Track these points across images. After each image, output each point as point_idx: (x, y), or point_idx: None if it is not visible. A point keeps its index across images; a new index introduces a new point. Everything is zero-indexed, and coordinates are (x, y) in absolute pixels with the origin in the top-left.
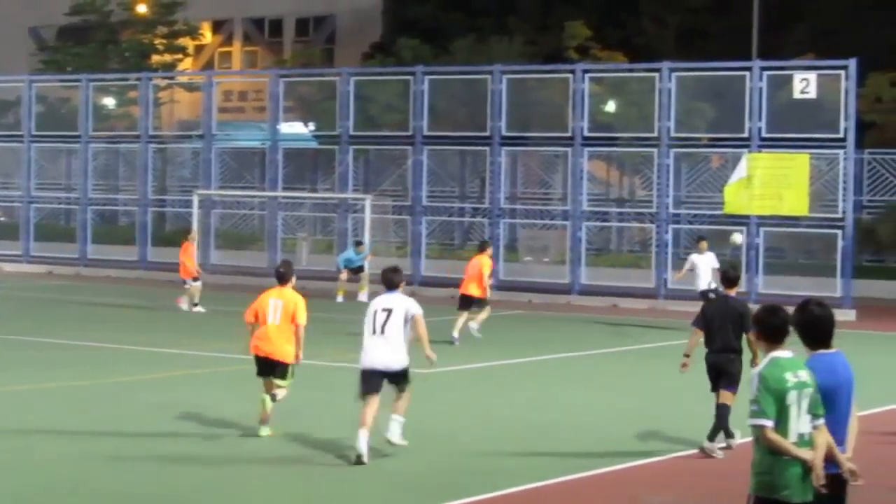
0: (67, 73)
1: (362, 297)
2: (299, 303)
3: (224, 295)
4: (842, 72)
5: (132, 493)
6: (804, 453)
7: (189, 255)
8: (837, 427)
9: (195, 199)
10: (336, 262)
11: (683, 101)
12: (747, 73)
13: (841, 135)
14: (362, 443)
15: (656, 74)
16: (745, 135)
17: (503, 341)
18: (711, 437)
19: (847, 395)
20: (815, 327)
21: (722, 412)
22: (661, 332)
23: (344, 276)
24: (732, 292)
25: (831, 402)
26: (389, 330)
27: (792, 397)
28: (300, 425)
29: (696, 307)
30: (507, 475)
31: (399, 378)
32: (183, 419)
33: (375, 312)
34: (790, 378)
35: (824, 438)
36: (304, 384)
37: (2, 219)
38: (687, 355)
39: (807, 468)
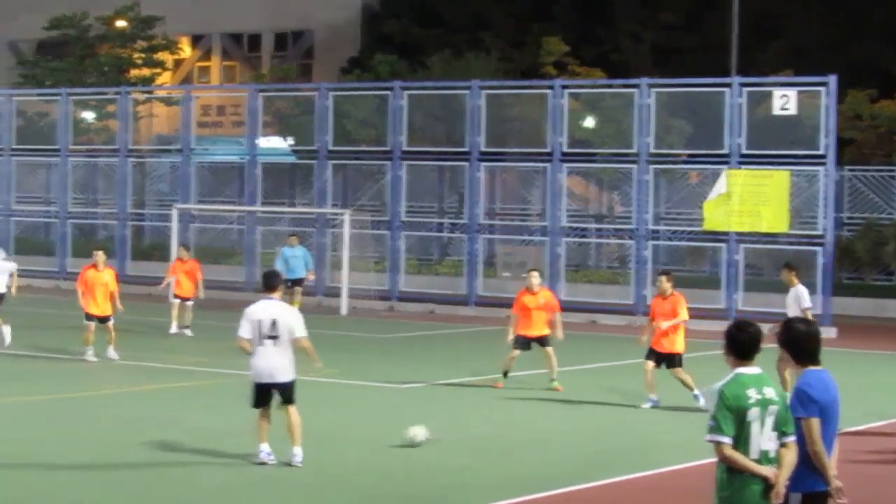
0: (46, 88)
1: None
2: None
3: (201, 310)
4: (821, 88)
5: None
6: (763, 470)
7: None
8: (828, 444)
9: (174, 214)
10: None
11: (662, 118)
12: (726, 90)
13: (821, 151)
14: None
15: (635, 90)
16: (725, 151)
17: (481, 357)
18: None
19: (836, 412)
20: (802, 343)
21: None
22: (637, 348)
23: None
24: None
25: (827, 418)
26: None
27: (753, 414)
28: (270, 441)
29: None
30: (479, 491)
31: None
32: (159, 433)
33: None
34: (752, 395)
35: (792, 457)
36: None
37: None
38: None
39: (767, 486)
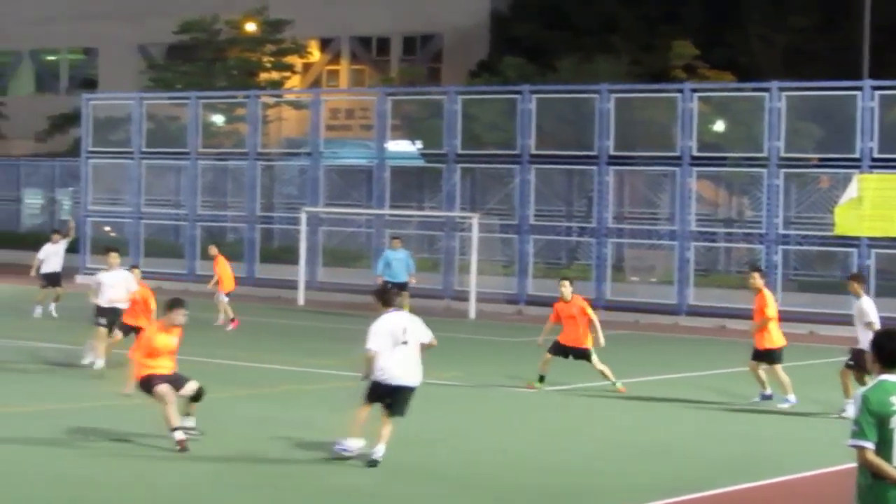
0: (176, 91)
1: None
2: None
3: (330, 315)
4: None
5: None
6: None
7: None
8: None
9: (302, 217)
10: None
11: (792, 121)
12: (858, 93)
13: None
14: None
15: (765, 94)
16: (856, 155)
17: (608, 362)
18: None
19: None
20: None
21: None
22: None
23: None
24: None
25: None
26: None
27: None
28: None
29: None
30: (610, 493)
31: None
32: (288, 433)
33: None
34: (895, 402)
35: None
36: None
37: (112, 234)
38: None
39: None
